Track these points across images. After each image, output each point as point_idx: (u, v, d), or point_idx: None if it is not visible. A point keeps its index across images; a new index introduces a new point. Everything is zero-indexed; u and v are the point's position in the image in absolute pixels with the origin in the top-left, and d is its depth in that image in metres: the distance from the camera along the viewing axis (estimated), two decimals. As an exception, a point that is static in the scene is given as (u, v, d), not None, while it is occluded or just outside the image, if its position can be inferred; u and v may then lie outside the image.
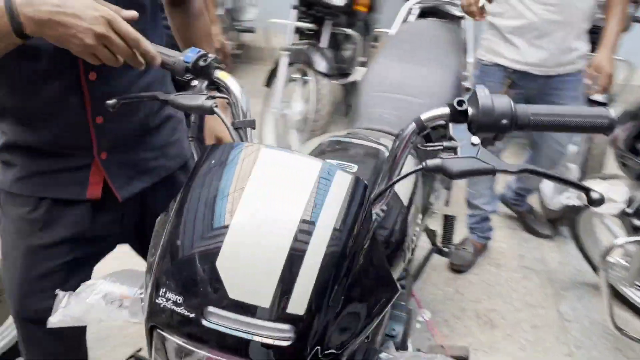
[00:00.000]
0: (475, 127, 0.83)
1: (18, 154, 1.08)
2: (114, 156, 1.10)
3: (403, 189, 1.19)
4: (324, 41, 3.31)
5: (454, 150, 0.81)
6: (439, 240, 2.00)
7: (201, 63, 0.95)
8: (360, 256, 0.76)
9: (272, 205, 0.73)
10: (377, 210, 0.86)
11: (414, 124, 0.87)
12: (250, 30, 4.69)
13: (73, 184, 1.09)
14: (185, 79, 0.95)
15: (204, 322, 0.69)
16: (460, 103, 0.84)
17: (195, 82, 0.95)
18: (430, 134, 0.87)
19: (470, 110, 0.83)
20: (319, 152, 1.22)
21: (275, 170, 0.77)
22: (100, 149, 1.08)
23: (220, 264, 0.70)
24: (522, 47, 2.12)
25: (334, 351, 0.71)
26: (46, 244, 1.10)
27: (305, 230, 0.72)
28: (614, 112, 0.87)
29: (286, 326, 0.68)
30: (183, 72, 0.95)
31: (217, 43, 2.17)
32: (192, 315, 0.69)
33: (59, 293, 0.90)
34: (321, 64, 3.06)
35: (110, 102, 0.95)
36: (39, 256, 1.10)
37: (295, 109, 3.16)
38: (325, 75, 3.06)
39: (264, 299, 0.69)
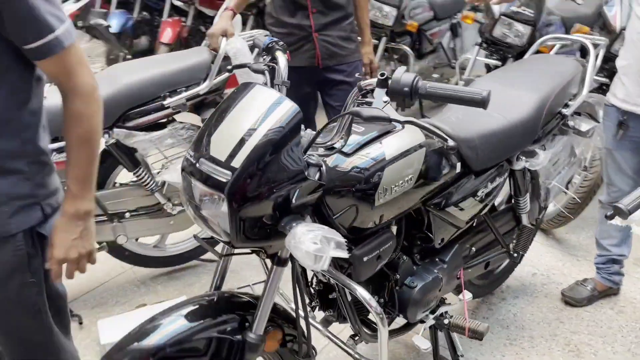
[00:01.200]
0: (389, 92, 1.23)
1: None
2: None
3: (390, 150, 1.50)
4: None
5: (370, 104, 1.24)
6: (512, 246, 2.15)
7: (270, 44, 1.53)
8: (280, 152, 1.20)
9: (243, 115, 1.25)
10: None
11: (356, 88, 1.30)
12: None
13: None
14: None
15: (197, 166, 1.23)
16: (382, 74, 1.25)
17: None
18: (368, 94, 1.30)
19: (389, 81, 1.24)
20: None
21: (253, 98, 1.28)
22: None
23: (212, 139, 1.25)
24: (629, 86, 2.13)
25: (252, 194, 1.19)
26: None
27: (253, 129, 1.21)
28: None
29: (228, 172, 1.19)
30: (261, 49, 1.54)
31: (367, 59, 2.74)
32: (194, 161, 1.25)
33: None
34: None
35: None
36: None
37: None
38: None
39: (223, 156, 1.20)
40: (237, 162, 1.19)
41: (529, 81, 2.05)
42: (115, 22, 4.84)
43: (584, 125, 2.17)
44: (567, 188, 2.36)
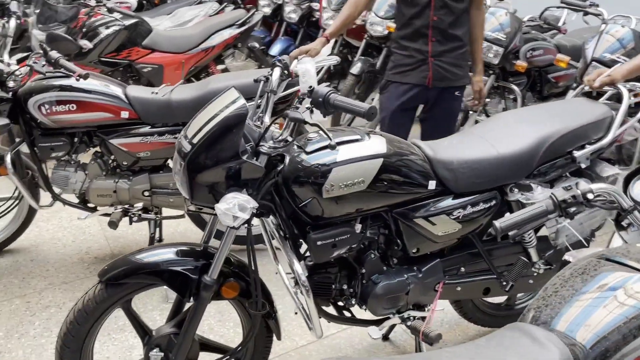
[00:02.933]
0: (311, 101, 1.59)
1: None
2: None
3: (344, 154, 1.79)
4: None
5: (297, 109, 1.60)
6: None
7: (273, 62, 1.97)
8: (225, 137, 1.61)
9: (212, 107, 1.69)
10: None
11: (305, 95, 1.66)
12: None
13: None
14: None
15: (181, 142, 1.72)
16: (310, 87, 1.59)
17: None
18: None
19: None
20: None
21: (224, 96, 1.72)
22: None
23: (191, 123, 1.72)
24: None
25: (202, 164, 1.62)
26: None
27: (213, 117, 1.65)
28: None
29: (189, 146, 1.64)
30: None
31: (477, 87, 3.02)
32: (180, 141, 1.73)
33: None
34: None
35: None
36: None
37: None
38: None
39: (190, 135, 1.67)
40: (196, 139, 1.64)
41: (541, 120, 2.14)
42: (278, 47, 5.68)
43: (607, 170, 2.15)
44: (593, 236, 2.31)
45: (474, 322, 2.47)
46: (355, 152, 1.80)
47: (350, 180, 1.78)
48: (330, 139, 1.56)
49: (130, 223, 2.93)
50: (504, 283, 2.20)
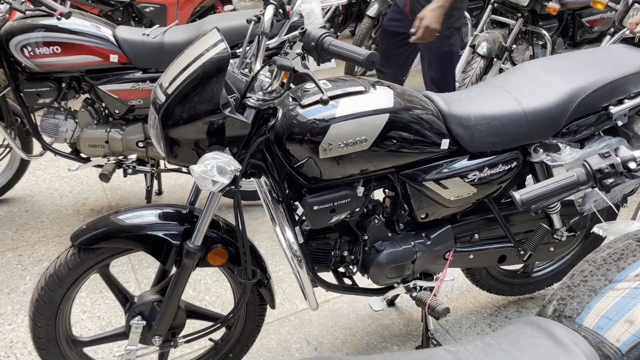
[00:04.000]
0: (303, 45, 1.34)
1: None
2: None
3: (344, 109, 1.56)
4: None
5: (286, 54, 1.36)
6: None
7: None
8: (204, 87, 1.39)
9: (191, 52, 1.46)
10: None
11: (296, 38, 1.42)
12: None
13: None
14: None
15: (156, 92, 1.51)
16: (302, 28, 1.34)
17: None
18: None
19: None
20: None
21: (204, 39, 1.48)
22: None
23: (167, 70, 1.50)
24: None
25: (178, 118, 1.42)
26: None
27: (190, 64, 1.42)
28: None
29: (164, 97, 1.43)
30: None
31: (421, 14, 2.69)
32: (155, 90, 1.52)
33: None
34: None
35: None
36: None
37: None
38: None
39: (165, 84, 1.45)
40: (171, 89, 1.43)
41: (573, 70, 1.87)
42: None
43: (647, 129, 1.89)
44: (625, 201, 2.08)
45: (487, 290, 2.29)
46: (358, 106, 1.57)
47: (351, 139, 1.56)
48: (323, 92, 1.33)
49: (125, 175, 2.76)
50: (522, 252, 2.00)
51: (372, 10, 4.39)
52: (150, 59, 2.55)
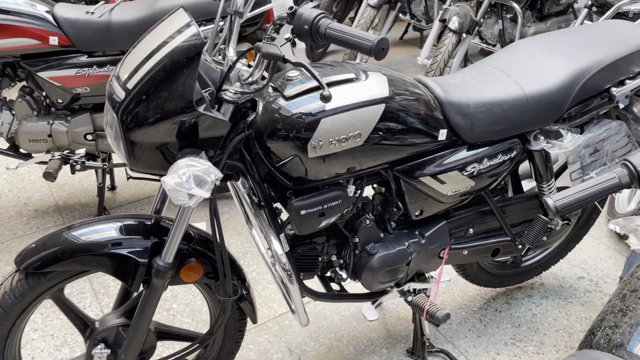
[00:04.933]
0: (294, 29, 1.13)
1: None
2: None
3: (335, 100, 1.36)
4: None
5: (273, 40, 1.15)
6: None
7: None
8: (173, 80, 1.16)
9: (154, 37, 1.22)
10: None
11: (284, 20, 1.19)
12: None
13: None
14: None
15: (112, 85, 1.25)
16: (291, 8, 1.12)
17: None
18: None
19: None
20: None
21: (169, 22, 1.25)
22: None
23: (125, 59, 1.25)
24: None
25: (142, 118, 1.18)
26: None
27: (155, 52, 1.18)
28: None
29: (123, 92, 1.19)
30: None
31: None
32: (111, 84, 1.27)
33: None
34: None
35: None
36: None
37: None
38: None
39: (124, 76, 1.20)
40: (131, 84, 1.18)
41: (574, 49, 1.72)
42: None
43: (648, 111, 1.78)
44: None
45: (477, 284, 2.16)
46: (350, 97, 1.37)
47: (344, 135, 1.36)
48: (323, 86, 1.12)
49: (73, 172, 2.47)
50: (520, 246, 1.87)
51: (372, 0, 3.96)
52: (96, 41, 2.25)
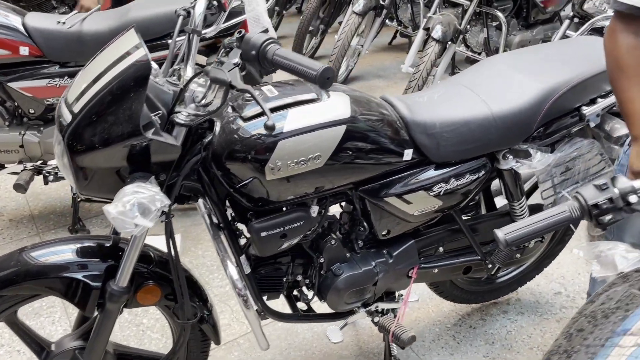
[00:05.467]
0: (242, 54, 1.10)
1: None
2: None
3: (293, 122, 1.34)
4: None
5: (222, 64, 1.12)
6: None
7: None
8: (120, 104, 1.13)
9: (103, 59, 1.19)
10: None
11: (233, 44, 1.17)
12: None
13: None
14: None
15: (61, 108, 1.22)
16: (240, 32, 1.10)
17: None
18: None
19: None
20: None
21: (120, 42, 1.22)
22: None
23: (75, 81, 1.23)
24: None
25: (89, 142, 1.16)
26: None
27: (102, 74, 1.16)
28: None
29: (70, 115, 1.16)
30: None
31: None
32: (60, 106, 1.24)
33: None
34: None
35: None
36: None
37: None
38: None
39: (71, 99, 1.18)
40: (77, 107, 1.15)
41: (545, 67, 1.69)
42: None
43: (619, 128, 1.75)
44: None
45: (451, 300, 2.14)
46: (310, 118, 1.34)
47: (302, 157, 1.33)
48: (268, 116, 1.09)
49: (46, 183, 2.44)
50: (490, 265, 1.85)
51: (357, 7, 3.83)
52: (67, 52, 2.22)
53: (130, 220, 1.09)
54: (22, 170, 2.37)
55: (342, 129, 1.37)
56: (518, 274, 2.26)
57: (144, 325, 2.16)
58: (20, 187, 2.28)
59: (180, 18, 1.40)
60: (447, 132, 1.55)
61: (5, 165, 2.43)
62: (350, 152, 1.40)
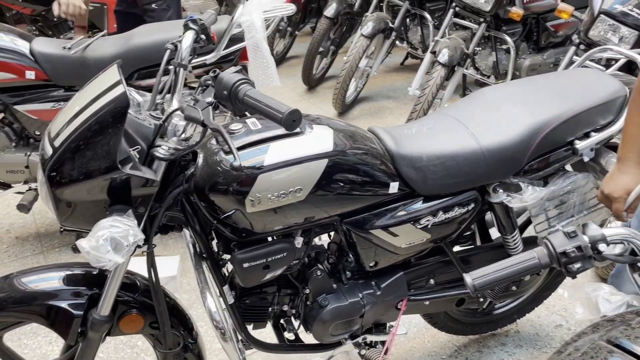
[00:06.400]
0: (215, 93, 1.13)
1: None
2: None
3: (274, 155, 1.35)
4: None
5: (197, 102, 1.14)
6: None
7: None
8: (97, 139, 1.16)
9: (85, 94, 1.23)
10: None
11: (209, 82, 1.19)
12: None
13: None
14: None
15: (44, 141, 1.25)
16: (214, 71, 1.12)
17: None
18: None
19: None
20: None
21: (102, 78, 1.25)
22: None
23: (59, 115, 1.26)
24: None
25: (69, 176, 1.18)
26: None
27: (82, 110, 1.18)
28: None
29: (51, 149, 1.18)
30: None
31: None
32: (43, 140, 1.27)
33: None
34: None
35: None
36: None
37: None
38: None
39: (53, 133, 1.21)
40: (58, 141, 1.18)
41: (537, 100, 1.68)
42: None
43: (614, 162, 1.72)
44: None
45: (446, 332, 2.11)
46: (291, 152, 1.35)
47: (283, 190, 1.34)
48: (235, 156, 1.10)
49: (49, 203, 2.48)
50: (482, 299, 1.82)
51: (329, 11, 4.13)
52: (71, 76, 2.28)
53: (102, 256, 1.10)
54: (27, 190, 2.42)
55: (323, 162, 1.37)
56: (517, 305, 2.21)
57: (138, 348, 2.17)
58: (24, 207, 2.33)
59: (168, 52, 1.43)
60: (434, 166, 1.54)
61: (12, 185, 2.49)
62: (332, 186, 1.40)
